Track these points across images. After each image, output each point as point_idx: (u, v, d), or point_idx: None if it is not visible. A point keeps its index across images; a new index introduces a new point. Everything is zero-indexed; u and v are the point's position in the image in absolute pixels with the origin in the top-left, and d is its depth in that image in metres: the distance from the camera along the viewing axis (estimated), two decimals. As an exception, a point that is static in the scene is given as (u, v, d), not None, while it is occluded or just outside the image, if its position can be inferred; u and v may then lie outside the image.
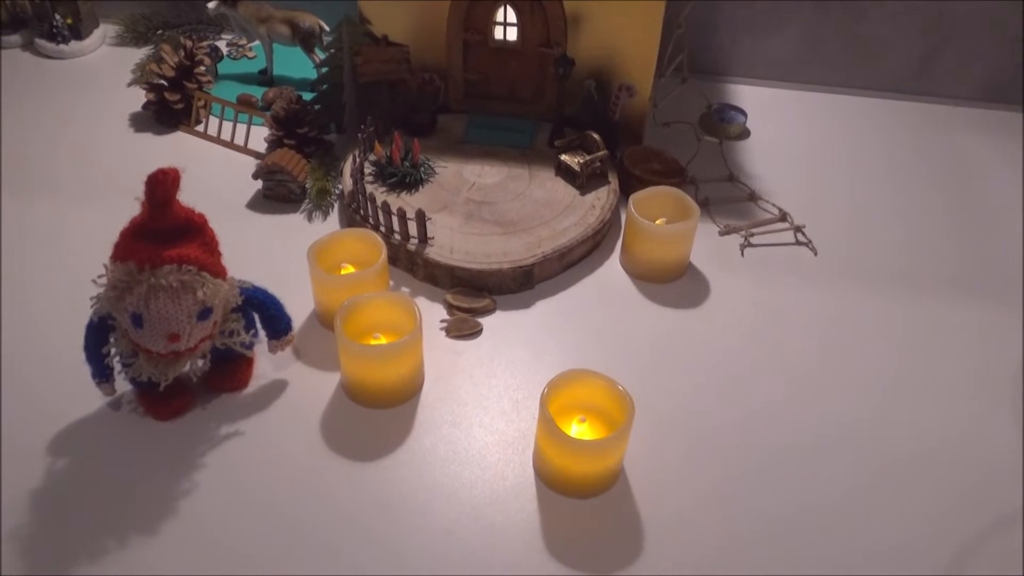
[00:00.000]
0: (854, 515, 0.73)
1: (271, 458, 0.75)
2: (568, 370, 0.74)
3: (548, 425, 0.70)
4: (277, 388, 0.82)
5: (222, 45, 1.31)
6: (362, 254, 0.88)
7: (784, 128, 1.23)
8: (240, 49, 1.32)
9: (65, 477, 0.73)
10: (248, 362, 0.81)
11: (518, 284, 0.93)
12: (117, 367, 0.75)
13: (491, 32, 1.07)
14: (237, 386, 0.81)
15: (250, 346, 0.78)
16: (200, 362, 0.77)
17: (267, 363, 0.83)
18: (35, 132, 1.14)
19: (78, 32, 1.30)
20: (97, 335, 0.73)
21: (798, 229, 1.03)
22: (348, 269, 0.88)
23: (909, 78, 1.30)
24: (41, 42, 1.30)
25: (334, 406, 0.80)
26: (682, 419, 0.81)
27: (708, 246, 1.01)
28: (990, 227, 1.06)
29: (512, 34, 1.07)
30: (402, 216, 0.92)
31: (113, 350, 0.73)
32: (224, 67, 1.28)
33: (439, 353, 0.86)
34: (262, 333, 0.80)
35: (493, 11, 1.05)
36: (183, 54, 1.14)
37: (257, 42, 1.24)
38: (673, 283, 0.96)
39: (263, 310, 0.78)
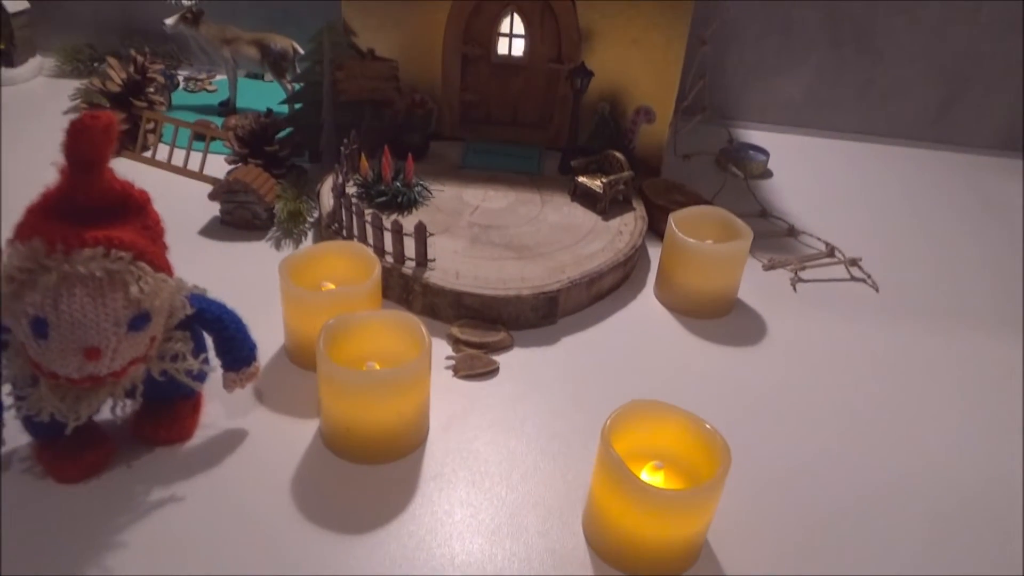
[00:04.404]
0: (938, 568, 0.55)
1: (223, 534, 0.54)
2: (635, 400, 0.55)
3: (615, 469, 0.51)
4: (233, 440, 0.61)
5: (179, 79, 1.16)
6: (348, 273, 0.70)
7: (803, 171, 1.13)
8: (199, 83, 1.17)
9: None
10: (193, 404, 0.61)
11: (539, 316, 0.75)
12: (8, 401, 0.54)
13: (494, 45, 0.95)
14: (177, 436, 0.60)
15: (200, 378, 0.58)
16: (127, 400, 0.56)
17: (219, 406, 0.63)
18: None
19: (10, 59, 1.14)
20: (-20, 356, 0.52)
21: (853, 263, 0.90)
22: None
23: (927, 125, 1.23)
24: (-34, 69, 1.14)
25: (311, 462, 0.60)
26: (768, 478, 0.62)
27: (753, 281, 0.86)
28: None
29: (518, 48, 0.95)
30: (397, 232, 0.75)
31: (3, 374, 0.52)
32: (179, 98, 1.12)
33: (447, 396, 0.67)
34: (215, 362, 0.60)
35: (498, 21, 0.93)
36: (133, 68, 0.98)
37: (220, 76, 1.09)
38: (720, 319, 0.80)
39: (220, 329, 0.58)
